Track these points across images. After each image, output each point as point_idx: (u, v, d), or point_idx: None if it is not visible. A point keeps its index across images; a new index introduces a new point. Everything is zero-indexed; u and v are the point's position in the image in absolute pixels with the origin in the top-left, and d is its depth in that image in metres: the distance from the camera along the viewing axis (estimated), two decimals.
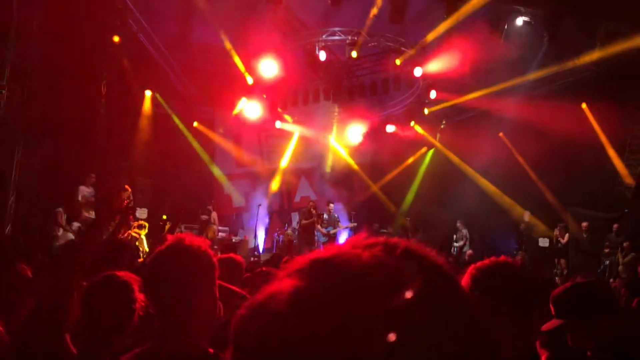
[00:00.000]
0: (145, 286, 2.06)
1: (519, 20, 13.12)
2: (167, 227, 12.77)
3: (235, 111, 16.21)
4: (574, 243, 13.75)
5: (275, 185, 17.25)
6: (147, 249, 11.28)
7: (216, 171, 17.00)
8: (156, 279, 1.96)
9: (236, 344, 0.65)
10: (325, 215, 14.54)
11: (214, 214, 14.24)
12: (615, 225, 12.96)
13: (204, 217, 14.13)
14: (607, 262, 12.73)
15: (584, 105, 14.53)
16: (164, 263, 1.96)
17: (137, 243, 11.36)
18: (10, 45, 10.36)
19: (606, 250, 12.89)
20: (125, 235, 11.03)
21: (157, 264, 1.98)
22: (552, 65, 13.74)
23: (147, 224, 12.04)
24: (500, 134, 15.79)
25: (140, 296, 2.56)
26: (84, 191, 11.74)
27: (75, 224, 11.12)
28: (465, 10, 12.52)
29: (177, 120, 16.14)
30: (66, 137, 11.26)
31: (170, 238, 2.03)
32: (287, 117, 17.10)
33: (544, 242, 14.23)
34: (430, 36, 13.61)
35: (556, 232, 14.01)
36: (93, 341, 2.45)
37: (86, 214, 11.61)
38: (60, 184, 11.34)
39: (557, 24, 12.76)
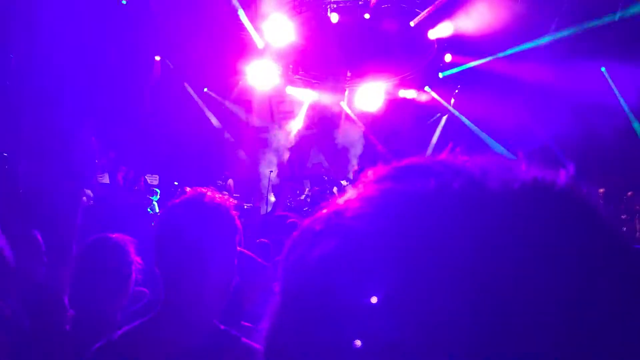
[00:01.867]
0: (155, 243, 1.79)
1: None
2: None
3: (246, 76, 15.98)
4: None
5: (286, 151, 17.13)
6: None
7: (227, 135, 16.91)
8: (167, 235, 1.71)
9: (293, 281, 0.45)
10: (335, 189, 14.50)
11: (230, 181, 14.18)
12: (629, 193, 12.69)
13: (220, 182, 14.08)
14: (625, 229, 12.52)
15: (603, 69, 14.12)
16: (179, 218, 1.71)
17: (148, 209, 11.36)
18: None
19: (623, 217, 12.66)
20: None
21: (170, 218, 1.75)
22: (570, 26, 13.30)
23: (158, 190, 12.02)
24: (517, 99, 15.43)
25: (137, 258, 2.46)
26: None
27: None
28: None
29: (187, 86, 15.97)
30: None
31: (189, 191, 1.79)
32: (298, 81, 16.85)
33: None
34: None
35: None
36: (88, 309, 2.34)
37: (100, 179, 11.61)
38: None
39: None
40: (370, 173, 0.49)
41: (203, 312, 1.68)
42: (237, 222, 1.77)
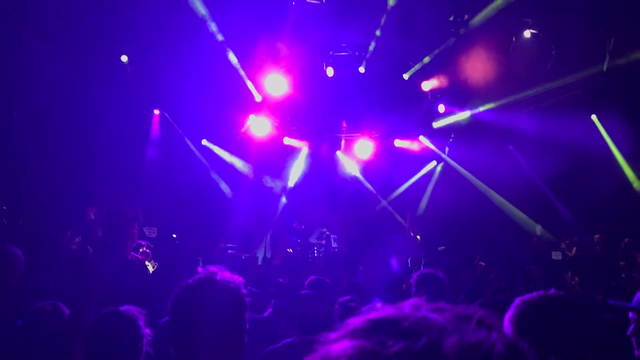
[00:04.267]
0: (170, 323, 1.87)
1: (527, 33, 13.07)
2: None
3: (244, 129, 16.24)
4: (586, 257, 13.55)
5: (284, 200, 17.23)
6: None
7: (225, 188, 17.00)
8: (182, 316, 1.78)
9: None
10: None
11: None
12: (626, 239, 12.73)
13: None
14: (624, 275, 12.51)
15: (594, 117, 14.42)
16: (192, 298, 1.78)
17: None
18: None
19: (622, 263, 12.67)
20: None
21: (184, 298, 1.81)
22: (560, 77, 13.65)
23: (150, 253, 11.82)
24: (510, 147, 15.69)
25: (147, 331, 2.51)
26: (94, 210, 11.75)
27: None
28: (472, 23, 12.52)
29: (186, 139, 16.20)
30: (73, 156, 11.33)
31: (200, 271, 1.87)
32: (295, 132, 17.13)
33: (556, 256, 14.04)
34: (438, 50, 13.59)
35: (563, 245, 13.82)
36: None
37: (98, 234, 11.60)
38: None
39: (565, 36, 12.69)
40: (348, 324, 0.61)
41: None
42: (246, 299, 1.85)
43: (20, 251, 3.96)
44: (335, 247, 15.50)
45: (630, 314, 2.40)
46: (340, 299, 4.35)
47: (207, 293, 1.78)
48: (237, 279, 1.88)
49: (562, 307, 1.84)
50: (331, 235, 15.63)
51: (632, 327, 2.40)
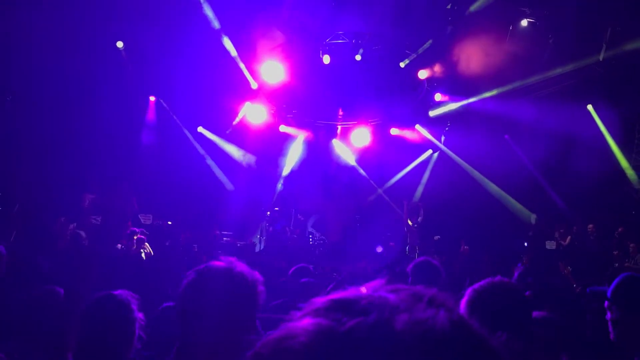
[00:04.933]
0: (178, 309, 1.89)
1: (524, 22, 13.05)
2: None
3: (240, 115, 16.21)
4: (580, 246, 13.64)
5: (280, 187, 17.24)
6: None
7: (220, 175, 17.00)
8: (191, 302, 1.81)
9: None
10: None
11: None
12: (620, 229, 12.82)
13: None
14: (617, 264, 12.60)
15: (589, 107, 14.44)
16: (203, 285, 1.81)
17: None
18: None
19: (615, 253, 12.76)
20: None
21: (194, 285, 1.83)
22: (557, 66, 13.64)
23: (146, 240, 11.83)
24: (506, 137, 15.71)
25: (140, 315, 2.52)
26: (89, 198, 11.75)
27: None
28: (469, 11, 12.49)
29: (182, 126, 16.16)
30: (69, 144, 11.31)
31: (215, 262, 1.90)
32: (291, 120, 17.11)
33: (550, 245, 14.12)
34: (435, 39, 13.57)
35: (556, 234, 13.90)
36: None
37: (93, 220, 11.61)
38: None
39: (562, 25, 12.68)
40: (312, 303, 0.66)
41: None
42: (261, 287, 1.88)
43: (3, 246, 4.01)
44: (311, 232, 15.64)
45: (606, 302, 2.53)
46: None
47: (217, 278, 1.81)
48: (255, 274, 1.89)
49: (503, 291, 2.16)
50: (307, 221, 15.79)
51: (608, 313, 2.53)
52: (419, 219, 14.41)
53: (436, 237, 14.60)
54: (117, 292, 2.53)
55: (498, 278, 2.22)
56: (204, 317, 1.78)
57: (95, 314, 2.41)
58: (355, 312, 0.60)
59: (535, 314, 2.72)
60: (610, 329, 2.58)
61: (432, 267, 4.13)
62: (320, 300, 0.65)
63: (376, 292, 0.64)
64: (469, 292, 2.13)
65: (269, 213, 15.41)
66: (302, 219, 15.62)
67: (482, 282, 2.18)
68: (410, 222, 14.45)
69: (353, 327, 0.58)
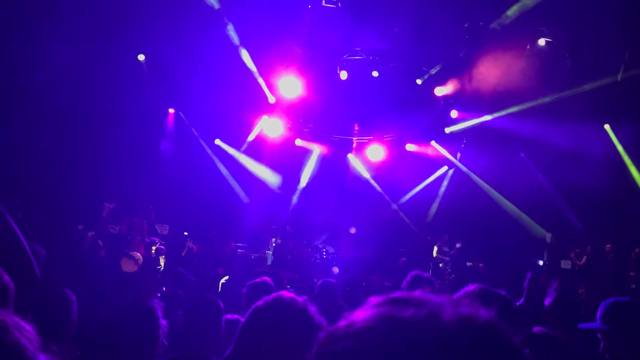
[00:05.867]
0: (240, 341, 1.97)
1: (542, 41, 13.08)
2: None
3: (257, 129, 16.38)
4: (596, 266, 13.52)
5: (295, 201, 17.33)
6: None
7: (237, 187, 17.12)
8: (253, 337, 1.88)
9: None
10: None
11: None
12: (637, 249, 12.69)
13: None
14: (634, 286, 12.46)
15: (607, 126, 14.38)
16: (264, 319, 1.88)
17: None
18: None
19: (632, 274, 12.63)
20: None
21: (256, 318, 1.90)
22: (574, 86, 13.63)
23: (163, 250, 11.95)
24: (522, 155, 15.69)
25: (164, 322, 2.61)
26: (108, 207, 11.92)
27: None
28: (487, 30, 12.54)
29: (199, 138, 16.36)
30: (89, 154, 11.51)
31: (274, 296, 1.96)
32: (307, 134, 17.23)
33: (565, 265, 14.02)
34: (452, 56, 13.63)
35: (572, 254, 13.80)
36: None
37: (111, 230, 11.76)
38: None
39: (581, 44, 12.69)
40: (370, 301, 0.77)
41: None
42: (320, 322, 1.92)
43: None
44: (324, 247, 15.70)
45: (599, 334, 2.53)
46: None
47: (278, 313, 1.89)
48: (321, 319, 1.94)
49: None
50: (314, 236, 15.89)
51: (601, 344, 2.52)
52: (458, 246, 14.57)
53: (457, 245, 14.59)
54: (145, 299, 2.64)
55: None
56: (263, 346, 1.85)
57: (123, 318, 2.50)
58: (409, 305, 0.72)
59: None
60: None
61: (425, 279, 4.38)
62: (378, 299, 0.76)
63: (423, 295, 0.76)
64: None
65: (288, 228, 15.43)
66: (290, 230, 15.64)
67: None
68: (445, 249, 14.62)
69: (411, 314, 0.70)
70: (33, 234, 10.52)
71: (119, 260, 9.63)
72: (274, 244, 14.72)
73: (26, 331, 1.04)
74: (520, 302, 4.29)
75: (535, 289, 4.45)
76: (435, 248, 14.64)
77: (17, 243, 2.17)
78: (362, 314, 0.73)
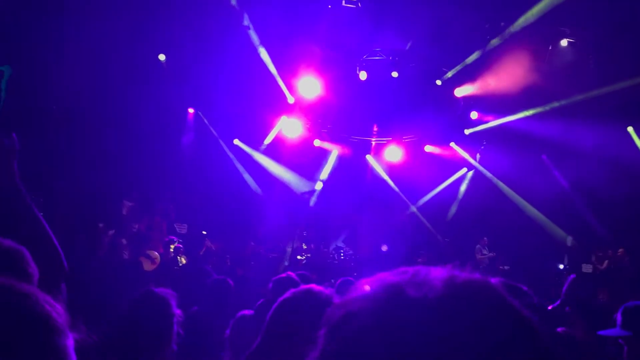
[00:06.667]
0: (268, 332, 2.00)
1: (564, 42, 12.92)
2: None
3: (276, 129, 16.43)
4: (617, 271, 13.29)
5: (313, 201, 17.32)
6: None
7: (255, 187, 17.18)
8: (282, 328, 1.91)
9: (329, 327, 0.74)
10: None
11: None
12: None
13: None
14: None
15: (630, 129, 14.15)
16: (294, 309, 1.91)
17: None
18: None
19: None
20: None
21: (283, 311, 1.93)
22: (597, 87, 13.43)
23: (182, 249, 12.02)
24: (543, 157, 15.50)
25: (178, 312, 2.63)
26: (128, 205, 12.05)
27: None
28: (508, 31, 12.44)
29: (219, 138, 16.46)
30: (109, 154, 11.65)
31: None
32: (326, 134, 17.25)
33: (587, 269, 13.82)
34: (472, 57, 13.54)
35: (593, 258, 13.60)
36: (132, 356, 2.50)
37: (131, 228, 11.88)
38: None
39: (603, 45, 12.51)
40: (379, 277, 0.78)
41: None
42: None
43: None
44: (342, 247, 15.71)
45: (620, 339, 2.49)
46: None
47: (305, 305, 1.91)
48: (328, 290, 1.99)
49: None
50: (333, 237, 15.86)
51: (625, 349, 2.48)
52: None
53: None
54: (158, 289, 2.66)
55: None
56: (292, 335, 1.86)
57: (137, 307, 2.53)
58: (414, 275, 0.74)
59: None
60: None
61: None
62: (384, 273, 0.77)
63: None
64: None
65: (305, 233, 15.47)
66: (306, 235, 15.70)
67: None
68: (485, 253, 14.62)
69: (424, 278, 0.73)
70: (54, 231, 10.67)
71: (139, 259, 9.76)
72: (290, 250, 14.78)
73: (56, 307, 1.06)
74: (555, 304, 4.22)
75: (573, 295, 4.36)
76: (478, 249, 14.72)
77: (46, 236, 2.21)
78: (372, 285, 0.75)
